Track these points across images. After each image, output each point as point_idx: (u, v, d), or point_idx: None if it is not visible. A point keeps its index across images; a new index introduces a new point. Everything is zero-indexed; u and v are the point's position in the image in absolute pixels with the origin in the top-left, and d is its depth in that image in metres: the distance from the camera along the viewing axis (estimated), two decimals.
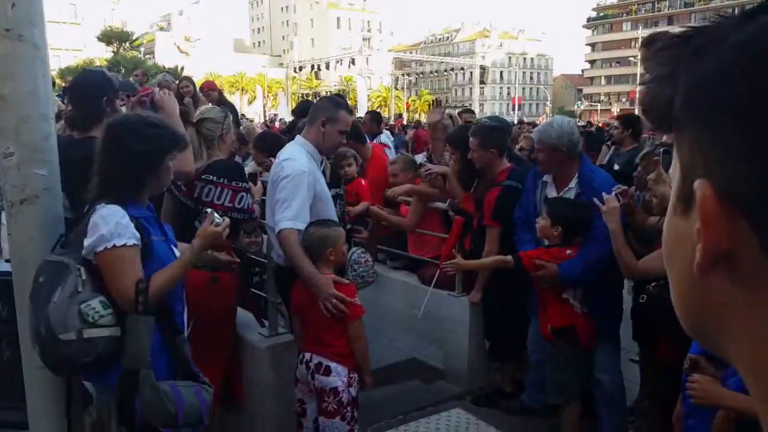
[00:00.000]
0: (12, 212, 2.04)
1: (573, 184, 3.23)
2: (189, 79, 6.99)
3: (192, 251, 2.20)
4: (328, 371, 2.90)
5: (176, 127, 2.80)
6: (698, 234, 0.39)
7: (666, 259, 0.47)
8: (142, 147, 2.08)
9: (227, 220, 2.35)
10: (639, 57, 4.02)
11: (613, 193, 2.86)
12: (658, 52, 0.45)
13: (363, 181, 4.56)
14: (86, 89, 3.04)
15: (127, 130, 2.11)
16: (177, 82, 6.71)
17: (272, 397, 3.34)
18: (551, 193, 3.32)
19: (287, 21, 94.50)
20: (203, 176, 3.15)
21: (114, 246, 1.95)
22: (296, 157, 3.19)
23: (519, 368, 3.92)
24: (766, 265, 0.37)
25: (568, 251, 3.09)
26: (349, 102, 20.35)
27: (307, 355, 2.97)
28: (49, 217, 2.10)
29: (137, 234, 2.02)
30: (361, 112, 23.84)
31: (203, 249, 2.27)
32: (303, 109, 5.18)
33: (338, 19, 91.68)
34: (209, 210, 2.44)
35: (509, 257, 3.25)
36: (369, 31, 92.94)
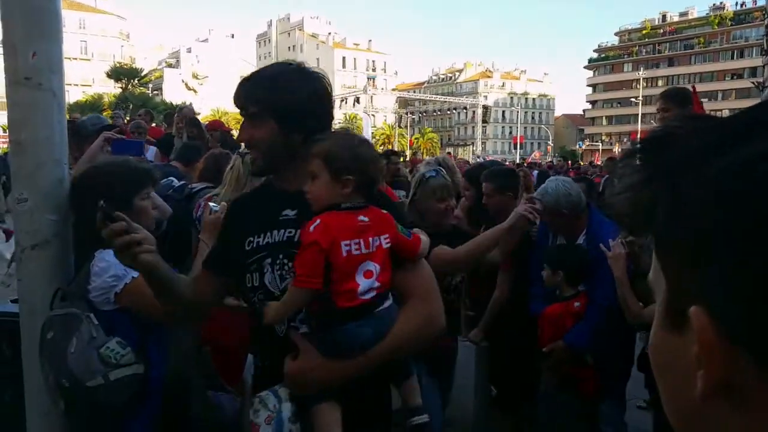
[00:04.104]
0: (22, 257, 2.04)
1: (581, 239, 3.26)
2: (196, 119, 7.10)
3: (204, 246, 2.21)
4: None
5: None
6: (697, 360, 0.39)
7: (656, 369, 0.46)
8: (103, 195, 2.07)
9: (224, 204, 2.35)
10: (658, 107, 4.12)
11: (619, 240, 2.87)
12: (628, 157, 0.45)
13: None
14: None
15: (88, 182, 2.12)
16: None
17: None
18: None
19: (294, 59, 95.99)
20: None
21: (132, 278, 1.96)
22: None
23: (525, 419, 3.82)
24: (761, 385, 0.37)
25: (576, 303, 3.08)
26: None
27: None
28: (58, 262, 2.10)
29: None
30: None
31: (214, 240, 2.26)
32: None
33: (344, 58, 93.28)
34: (203, 201, 2.45)
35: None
36: (374, 70, 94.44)
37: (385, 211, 1.61)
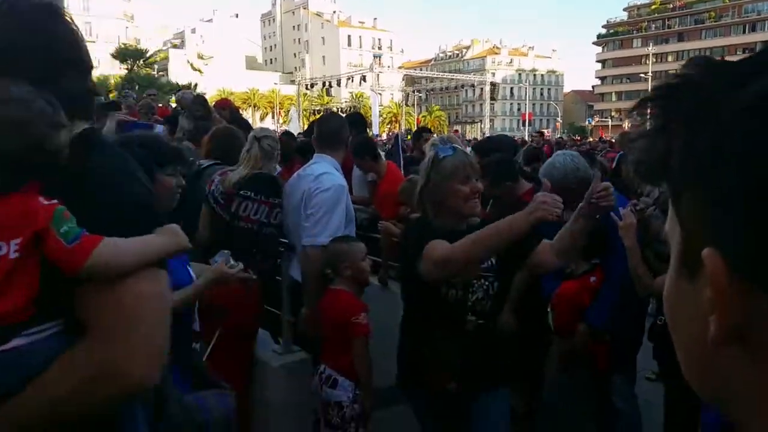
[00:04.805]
0: None
1: None
2: (202, 97, 7.09)
3: (197, 284, 2.27)
4: (335, 384, 2.90)
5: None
6: (710, 304, 0.39)
7: (670, 321, 0.46)
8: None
9: (241, 265, 2.48)
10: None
11: (629, 208, 2.86)
12: (644, 105, 0.45)
13: None
14: None
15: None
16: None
17: (284, 416, 3.33)
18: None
19: (299, 39, 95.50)
20: (242, 192, 3.28)
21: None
22: (332, 171, 3.24)
23: (533, 391, 3.84)
24: None
25: (592, 278, 3.07)
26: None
27: (321, 366, 3.00)
28: None
29: None
30: (374, 128, 23.93)
31: (209, 283, 2.37)
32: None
33: (349, 37, 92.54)
34: (227, 252, 2.57)
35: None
36: (380, 48, 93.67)
37: (53, 202, 1.03)
